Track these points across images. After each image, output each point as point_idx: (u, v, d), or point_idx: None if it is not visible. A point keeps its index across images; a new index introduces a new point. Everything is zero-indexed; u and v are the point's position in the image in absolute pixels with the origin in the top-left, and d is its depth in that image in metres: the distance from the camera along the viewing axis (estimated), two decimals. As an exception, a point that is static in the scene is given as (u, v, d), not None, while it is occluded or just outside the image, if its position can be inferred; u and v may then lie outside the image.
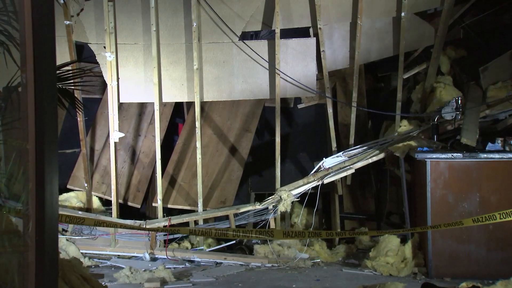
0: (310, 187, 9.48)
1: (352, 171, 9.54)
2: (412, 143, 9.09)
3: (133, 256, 9.30)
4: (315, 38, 9.77)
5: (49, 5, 2.84)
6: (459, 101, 9.18)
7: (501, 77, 9.40)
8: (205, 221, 9.71)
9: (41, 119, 2.60)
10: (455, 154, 8.49)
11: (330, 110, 9.94)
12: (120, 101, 9.79)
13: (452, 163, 8.46)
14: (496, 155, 8.43)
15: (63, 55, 9.24)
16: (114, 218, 9.52)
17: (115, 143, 9.71)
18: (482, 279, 7.70)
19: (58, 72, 6.32)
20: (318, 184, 9.45)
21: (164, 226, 9.14)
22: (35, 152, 2.58)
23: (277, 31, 9.54)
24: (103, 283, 6.33)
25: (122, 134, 9.89)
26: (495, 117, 9.13)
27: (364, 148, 9.71)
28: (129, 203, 10.24)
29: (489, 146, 8.61)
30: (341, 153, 9.73)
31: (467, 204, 8.35)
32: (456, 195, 8.42)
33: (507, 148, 8.53)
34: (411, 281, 8.05)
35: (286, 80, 9.65)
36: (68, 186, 10.30)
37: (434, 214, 8.38)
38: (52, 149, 2.71)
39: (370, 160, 9.52)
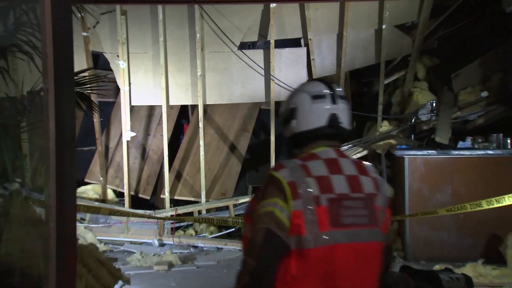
0: (301, 180, 9.48)
1: (339, 166, 9.57)
2: (392, 141, 9.12)
3: (143, 242, 9.32)
4: (305, 47, 9.77)
5: (67, 18, 2.85)
6: (434, 104, 9.20)
7: (471, 82, 9.40)
8: (208, 211, 9.72)
9: (60, 120, 2.60)
10: (430, 151, 8.53)
11: (319, 112, 9.94)
12: (132, 104, 9.79)
13: (427, 159, 8.48)
14: (466, 152, 8.47)
15: (80, 63, 9.24)
16: (126, 208, 9.52)
17: (127, 141, 9.72)
18: (453, 262, 7.68)
19: (76, 78, 6.33)
20: (308, 178, 9.47)
21: (171, 215, 9.14)
22: (56, 149, 2.58)
23: (272, 41, 9.55)
24: (117, 266, 6.35)
25: (133, 134, 9.91)
26: (465, 118, 9.13)
27: (350, 145, 9.69)
28: (140, 195, 10.25)
29: (460, 144, 8.63)
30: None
31: (441, 196, 8.37)
32: (430, 187, 8.44)
33: (476, 146, 8.57)
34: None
35: (280, 85, 9.65)
36: (86, 180, 10.31)
37: (411, 204, 8.41)
38: (71, 147, 2.72)
39: (355, 157, 9.52)
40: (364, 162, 2.84)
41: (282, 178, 2.57)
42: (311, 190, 2.57)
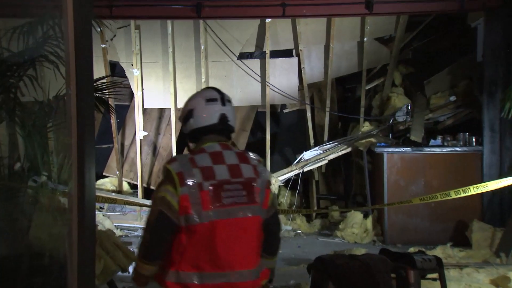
0: (293, 174, 9.50)
1: (326, 161, 9.59)
2: (373, 139, 9.14)
3: (154, 228, 9.33)
4: (297, 57, 9.79)
5: (88, 32, 2.87)
6: (409, 107, 9.22)
7: (441, 88, 9.44)
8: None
9: (81, 121, 2.63)
10: (405, 148, 8.57)
11: (308, 114, 9.97)
12: (144, 107, 9.81)
13: (403, 155, 8.52)
14: (437, 149, 8.52)
15: (100, 71, 9.24)
16: (139, 198, 9.54)
17: (140, 140, 9.75)
18: (425, 245, 7.70)
19: (95, 84, 6.35)
20: (299, 172, 9.49)
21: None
22: (77, 147, 2.61)
23: (267, 52, 9.57)
24: (131, 249, 6.36)
25: (145, 133, 9.93)
26: (436, 120, 9.16)
27: (335, 143, 9.73)
28: (151, 187, 10.25)
29: (432, 142, 8.65)
30: (317, 147, 9.75)
31: (415, 187, 8.41)
32: (406, 180, 8.47)
33: (445, 144, 8.60)
34: (371, 247, 8.11)
35: (274, 91, 9.68)
36: (104, 173, 10.32)
37: (389, 194, 8.43)
38: (90, 145, 2.75)
39: (340, 153, 9.56)
40: (247, 153, 3.14)
41: (172, 169, 2.87)
42: (196, 178, 2.87)
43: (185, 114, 3.12)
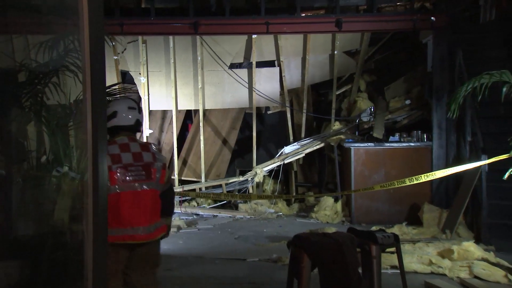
0: (276, 165, 9.53)
1: (303, 155, 9.62)
2: (342, 136, 9.19)
3: (159, 211, 9.31)
4: (278, 67, 9.81)
5: (100, 47, 2.87)
6: (372, 109, 9.27)
7: (398, 93, 9.49)
8: (206, 188, 9.76)
9: (95, 121, 2.64)
10: (369, 144, 8.62)
11: (288, 115, 10.01)
12: (150, 109, 9.80)
13: (367, 149, 8.58)
14: (395, 144, 8.58)
15: (112, 79, 9.21)
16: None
17: (147, 136, 9.73)
18: (385, 224, 7.78)
19: (108, 90, 6.30)
20: (280, 163, 9.52)
21: (179, 191, 9.17)
22: (92, 143, 2.62)
23: (254, 62, 9.59)
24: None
25: (151, 131, 9.91)
26: (394, 120, 9.22)
27: (311, 140, 9.77)
28: (156, 176, 10.24)
29: (391, 138, 8.72)
30: (296, 143, 9.78)
31: (377, 176, 8.47)
32: (369, 170, 8.54)
33: (402, 140, 8.67)
34: (340, 226, 8.16)
35: (260, 95, 9.70)
36: (116, 165, 10.28)
37: (356, 182, 8.49)
38: (103, 141, 2.76)
39: (315, 148, 9.61)
40: (150, 144, 3.81)
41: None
42: (108, 163, 3.40)
43: (110, 114, 3.64)
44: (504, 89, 5.03)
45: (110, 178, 3.45)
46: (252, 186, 9.53)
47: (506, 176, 4.99)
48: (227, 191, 9.41)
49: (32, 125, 4.24)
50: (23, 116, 4.17)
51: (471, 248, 5.85)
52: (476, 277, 5.42)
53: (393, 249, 4.47)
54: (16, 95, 4.15)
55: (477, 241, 6.61)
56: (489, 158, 6.05)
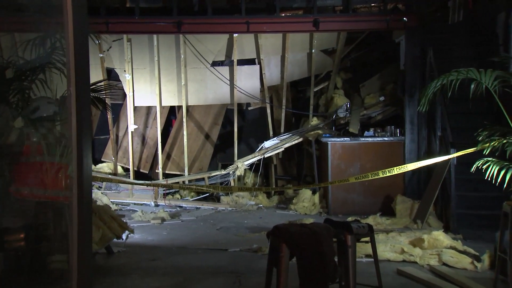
0: (256, 159, 9.54)
1: (282, 149, 9.65)
2: (320, 131, 9.24)
3: (143, 203, 9.27)
4: (259, 65, 9.80)
5: (85, 45, 2.85)
6: (348, 105, 9.34)
7: (373, 90, 9.57)
8: (189, 181, 9.73)
9: (80, 116, 2.62)
10: (345, 138, 8.67)
11: (268, 111, 10.02)
12: (135, 105, 9.71)
13: (344, 143, 8.62)
14: (370, 139, 8.63)
15: (98, 76, 9.15)
16: (131, 179, 9.47)
17: (131, 131, 9.65)
18: (360, 215, 7.83)
19: (94, 86, 6.27)
20: (261, 157, 9.53)
21: (164, 184, 9.13)
22: (76, 137, 2.60)
23: (235, 60, 9.56)
24: (124, 220, 6.34)
25: (136, 126, 9.83)
26: (369, 115, 9.29)
27: (290, 134, 9.80)
28: (141, 170, 10.19)
29: (366, 133, 8.78)
30: (275, 138, 9.79)
31: (352, 169, 8.53)
32: (346, 163, 8.58)
33: (376, 135, 8.73)
34: (317, 217, 8.19)
35: (241, 92, 9.69)
36: (102, 159, 10.21)
37: (332, 175, 8.53)
38: (87, 135, 2.73)
39: (293, 142, 9.62)
40: None
41: None
42: None
43: (33, 108, 3.98)
44: (472, 86, 5.09)
45: None
46: (234, 179, 9.52)
47: (473, 169, 5.07)
48: (210, 184, 9.40)
49: (20, 120, 4.20)
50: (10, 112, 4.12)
51: (440, 237, 5.94)
52: (445, 264, 5.51)
53: (367, 238, 4.51)
54: (3, 92, 4.10)
55: (446, 230, 6.73)
56: (457, 151, 6.13)
